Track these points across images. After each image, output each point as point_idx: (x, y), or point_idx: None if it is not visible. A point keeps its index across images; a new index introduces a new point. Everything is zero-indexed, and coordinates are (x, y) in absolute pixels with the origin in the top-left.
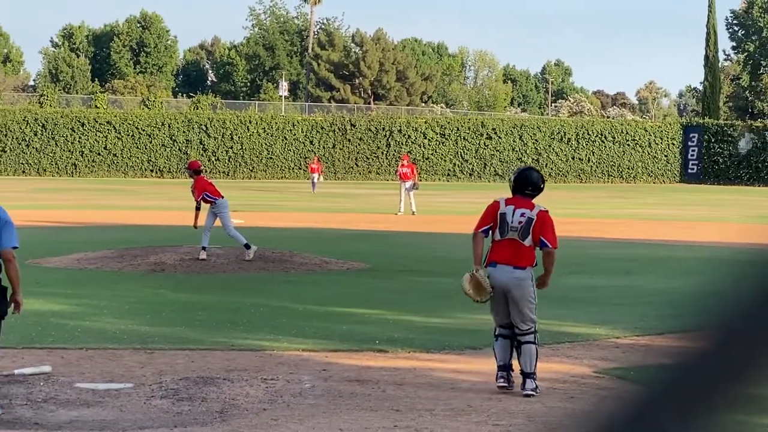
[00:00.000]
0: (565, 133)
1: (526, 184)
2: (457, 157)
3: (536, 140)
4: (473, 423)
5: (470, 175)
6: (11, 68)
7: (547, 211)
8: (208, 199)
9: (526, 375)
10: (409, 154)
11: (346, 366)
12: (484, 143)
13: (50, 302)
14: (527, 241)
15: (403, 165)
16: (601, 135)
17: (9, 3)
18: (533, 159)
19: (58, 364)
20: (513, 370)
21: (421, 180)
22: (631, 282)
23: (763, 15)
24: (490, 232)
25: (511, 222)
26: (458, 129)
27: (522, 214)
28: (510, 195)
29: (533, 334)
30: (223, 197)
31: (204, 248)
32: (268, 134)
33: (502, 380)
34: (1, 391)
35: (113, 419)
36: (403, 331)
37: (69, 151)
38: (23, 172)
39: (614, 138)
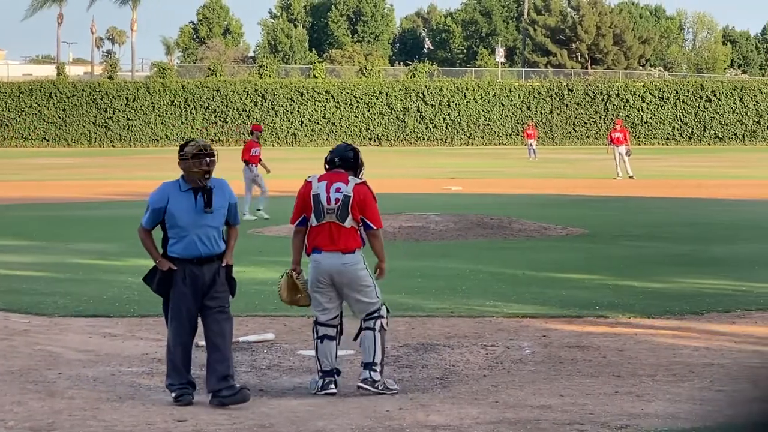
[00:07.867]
0: None
1: (335, 156)
2: (676, 120)
3: (757, 102)
4: (696, 389)
5: (689, 138)
6: (231, 40)
7: (364, 184)
8: None
9: (367, 365)
10: (620, 118)
11: (566, 332)
12: (704, 106)
13: (272, 270)
14: (348, 222)
15: (615, 129)
16: None
17: None
18: (754, 121)
19: (281, 331)
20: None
21: (637, 144)
22: None
23: None
24: (308, 220)
25: (326, 203)
26: (677, 92)
27: (337, 190)
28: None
29: (374, 320)
30: None
31: None
32: (485, 101)
33: (332, 386)
34: None
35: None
36: (623, 297)
37: (288, 120)
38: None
39: None
